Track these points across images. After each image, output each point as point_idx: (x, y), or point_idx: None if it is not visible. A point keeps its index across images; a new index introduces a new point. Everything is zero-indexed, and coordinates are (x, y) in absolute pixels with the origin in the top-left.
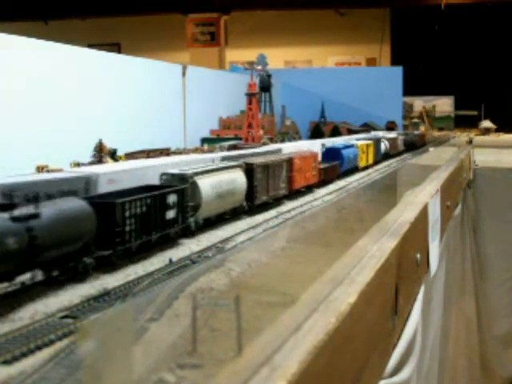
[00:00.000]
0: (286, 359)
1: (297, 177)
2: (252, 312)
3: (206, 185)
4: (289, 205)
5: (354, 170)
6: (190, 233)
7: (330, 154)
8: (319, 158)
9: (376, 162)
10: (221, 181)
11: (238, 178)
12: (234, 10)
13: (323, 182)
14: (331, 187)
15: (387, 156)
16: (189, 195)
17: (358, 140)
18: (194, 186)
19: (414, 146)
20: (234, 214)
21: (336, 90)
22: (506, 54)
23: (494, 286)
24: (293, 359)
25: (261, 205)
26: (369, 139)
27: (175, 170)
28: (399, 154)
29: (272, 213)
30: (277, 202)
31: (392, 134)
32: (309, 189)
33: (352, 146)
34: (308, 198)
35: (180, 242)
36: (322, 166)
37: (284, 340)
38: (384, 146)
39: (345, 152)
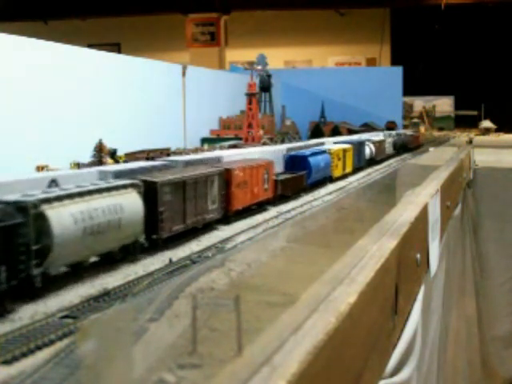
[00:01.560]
0: (285, 359)
1: (238, 194)
2: (252, 312)
3: (64, 217)
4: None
5: (327, 180)
6: (31, 291)
7: (295, 162)
8: (277, 167)
9: (357, 170)
10: (93, 209)
11: (128, 203)
12: (234, 9)
13: (281, 198)
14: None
15: (373, 162)
16: (30, 234)
17: (336, 144)
18: (40, 219)
19: (407, 148)
20: (125, 254)
21: (336, 90)
22: (506, 54)
23: (494, 285)
24: (293, 359)
25: (172, 237)
26: (348, 143)
27: (12, 196)
28: (388, 158)
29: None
30: (203, 229)
31: (379, 136)
32: (260, 207)
33: (323, 152)
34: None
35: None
36: (279, 177)
37: (284, 340)
38: (369, 150)
39: (313, 160)
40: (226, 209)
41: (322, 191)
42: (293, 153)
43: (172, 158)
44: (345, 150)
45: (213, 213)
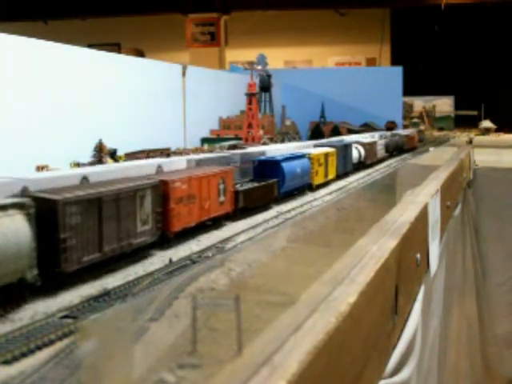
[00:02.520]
0: (286, 359)
1: (180, 210)
2: (252, 312)
3: None
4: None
5: (306, 188)
6: None
7: (265, 168)
8: (239, 174)
9: (343, 175)
10: None
11: (6, 231)
12: (234, 10)
13: (243, 212)
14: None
15: (362, 166)
16: None
17: (317, 147)
18: None
19: (401, 150)
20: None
21: (336, 89)
22: (506, 54)
23: (494, 285)
24: (293, 359)
25: (82, 270)
26: (331, 146)
27: None
28: (379, 162)
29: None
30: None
31: (370, 138)
32: (215, 223)
33: (301, 156)
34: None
35: None
36: (241, 187)
37: (284, 340)
38: (357, 153)
39: (287, 165)
40: (163, 230)
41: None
42: (263, 157)
43: (232, 151)
44: (327, 154)
45: (144, 235)
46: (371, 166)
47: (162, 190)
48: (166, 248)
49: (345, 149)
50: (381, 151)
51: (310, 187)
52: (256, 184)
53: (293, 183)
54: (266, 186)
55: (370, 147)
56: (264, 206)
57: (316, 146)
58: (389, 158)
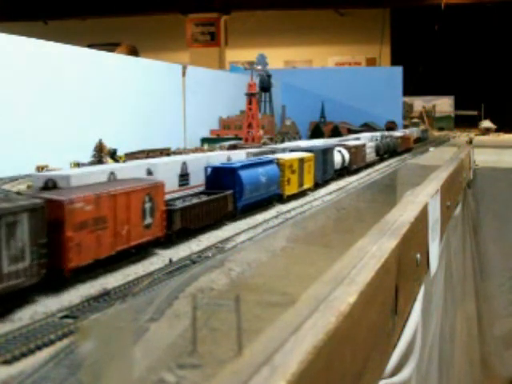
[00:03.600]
0: (286, 359)
1: (83, 239)
2: (252, 312)
3: None
4: None
5: (275, 200)
6: None
7: (220, 177)
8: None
9: (324, 183)
10: None
11: None
12: (234, 10)
13: (184, 234)
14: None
15: (346, 172)
16: None
17: (293, 152)
18: None
19: (395, 152)
20: None
21: (336, 89)
22: (506, 54)
23: (494, 285)
24: (293, 359)
25: None
26: (309, 150)
27: None
28: (367, 166)
29: None
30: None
31: (357, 141)
32: (139, 253)
33: (268, 162)
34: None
35: None
36: (181, 204)
37: (284, 340)
38: (340, 157)
39: (246, 174)
40: (53, 267)
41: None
42: (216, 165)
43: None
44: (302, 160)
45: (16, 278)
46: (358, 171)
47: (51, 213)
48: (167, 248)
49: (325, 153)
50: (370, 155)
51: (281, 198)
52: (201, 199)
53: (255, 194)
54: (216, 200)
55: (356, 150)
56: (214, 224)
57: (292, 150)
58: (380, 161)
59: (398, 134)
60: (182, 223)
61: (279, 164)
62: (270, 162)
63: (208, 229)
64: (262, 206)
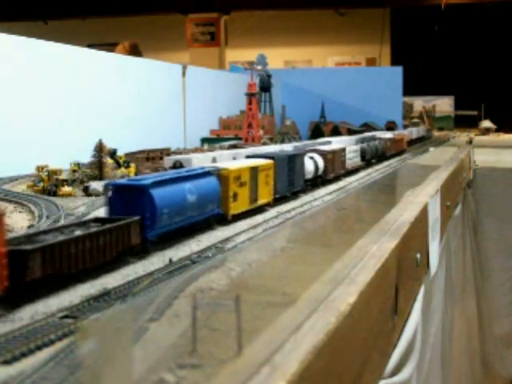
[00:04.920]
0: (286, 359)
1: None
2: (252, 312)
3: None
4: None
5: (214, 222)
6: None
7: (126, 199)
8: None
9: (293, 195)
10: None
11: None
12: (234, 10)
13: (48, 283)
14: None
15: (321, 181)
16: None
17: (249, 158)
18: None
19: (383, 156)
20: None
21: (336, 89)
22: (506, 54)
23: (494, 285)
24: (293, 359)
25: None
26: (269, 157)
27: None
28: (349, 173)
29: None
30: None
31: (334, 145)
32: None
33: (201, 175)
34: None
35: None
36: (41, 241)
37: (284, 340)
38: (312, 165)
39: (162, 193)
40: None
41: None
42: (121, 181)
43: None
44: (255, 169)
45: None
46: (338, 179)
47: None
48: (166, 248)
49: (291, 160)
50: (353, 160)
51: (223, 218)
52: (87, 230)
53: (178, 219)
54: (109, 231)
55: (333, 156)
56: (110, 265)
57: (248, 157)
58: (366, 167)
59: (388, 135)
60: (46, 269)
61: (220, 176)
62: (206, 174)
63: (208, 229)
64: (194, 230)
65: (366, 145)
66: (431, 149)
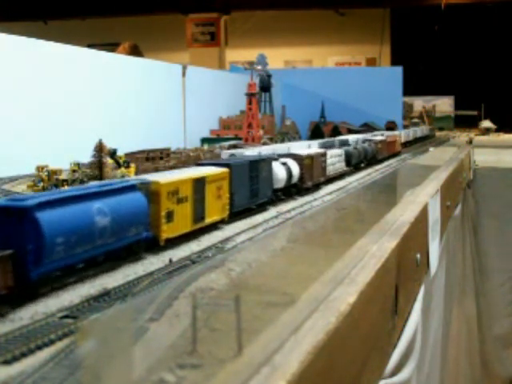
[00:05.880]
0: (286, 359)
1: None
2: (252, 312)
3: None
4: None
5: (141, 248)
6: None
7: (5, 224)
8: None
9: (259, 207)
10: None
11: None
12: (234, 10)
13: None
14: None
15: (297, 191)
16: None
17: (206, 165)
18: None
19: (373, 160)
20: None
21: (336, 90)
22: (506, 54)
23: (494, 285)
24: (293, 359)
25: None
26: (225, 164)
27: None
28: (330, 181)
29: None
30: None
31: (312, 149)
32: None
33: (122, 190)
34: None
35: None
36: None
37: (284, 340)
38: (284, 171)
39: (57, 216)
40: None
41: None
42: None
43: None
44: (201, 181)
45: None
46: (318, 187)
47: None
48: (166, 248)
49: (253, 167)
50: (336, 165)
51: (154, 243)
52: None
53: (79, 250)
54: None
55: (311, 162)
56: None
57: (201, 164)
58: (351, 173)
59: (379, 137)
60: None
61: (149, 191)
62: (128, 188)
63: (208, 229)
64: (109, 261)
65: (351, 148)
66: (431, 149)
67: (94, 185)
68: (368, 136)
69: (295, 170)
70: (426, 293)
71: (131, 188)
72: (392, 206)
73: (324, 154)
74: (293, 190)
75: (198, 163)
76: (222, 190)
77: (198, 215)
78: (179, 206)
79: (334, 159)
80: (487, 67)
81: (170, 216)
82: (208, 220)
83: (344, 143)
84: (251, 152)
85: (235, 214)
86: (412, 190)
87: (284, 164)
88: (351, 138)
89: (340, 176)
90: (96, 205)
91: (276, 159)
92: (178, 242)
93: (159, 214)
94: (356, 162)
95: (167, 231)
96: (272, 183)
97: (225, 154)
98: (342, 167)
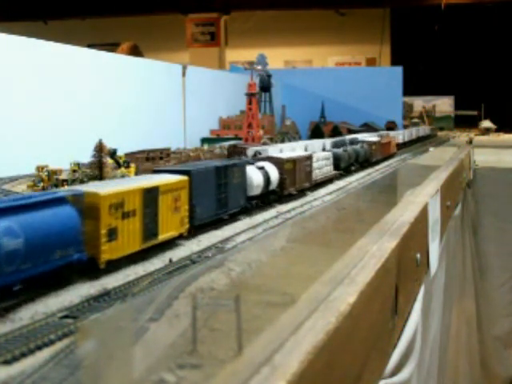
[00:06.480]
0: (286, 359)
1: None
2: (252, 312)
3: None
4: None
5: (75, 272)
6: None
7: None
8: None
9: (223, 219)
10: None
11: None
12: (234, 10)
13: None
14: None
15: (277, 198)
16: None
17: (163, 173)
18: None
19: (367, 162)
20: None
21: (336, 90)
22: (506, 54)
23: (494, 285)
24: (293, 359)
25: None
26: (184, 171)
27: None
28: (317, 185)
29: None
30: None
31: (296, 152)
32: None
33: (43, 203)
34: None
35: None
36: None
37: (284, 340)
38: (261, 177)
39: None
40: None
41: None
42: None
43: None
44: (152, 192)
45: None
46: (302, 193)
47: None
48: (166, 248)
49: (220, 174)
50: (323, 169)
51: (92, 266)
52: None
53: None
54: None
55: (293, 166)
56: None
57: (157, 171)
58: (341, 176)
59: (372, 138)
60: None
61: (84, 205)
62: (52, 202)
63: (207, 229)
64: (30, 290)
65: (341, 150)
66: (431, 149)
67: (4, 199)
68: (371, 135)
69: (274, 175)
70: (425, 293)
71: (58, 201)
72: (392, 207)
73: (309, 158)
74: (272, 197)
75: (155, 170)
76: (179, 201)
77: (150, 231)
78: (125, 221)
79: (321, 162)
80: (487, 67)
81: (112, 234)
82: (162, 236)
83: (353, 142)
84: (274, 150)
85: (198, 228)
86: (412, 190)
87: (261, 169)
88: (360, 136)
89: (330, 180)
90: (2, 224)
91: (252, 163)
92: (128, 263)
93: (98, 231)
94: (346, 166)
95: (109, 252)
96: (246, 190)
97: (251, 151)
98: (330, 171)
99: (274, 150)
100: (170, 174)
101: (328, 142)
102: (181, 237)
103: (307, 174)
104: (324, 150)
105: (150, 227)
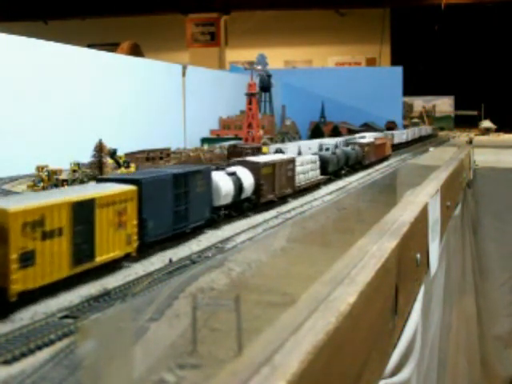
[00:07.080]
0: (286, 359)
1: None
2: (252, 312)
3: None
4: None
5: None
6: None
7: None
8: None
9: (186, 232)
10: None
11: None
12: (234, 10)
13: None
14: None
15: (253, 206)
16: None
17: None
18: None
19: (359, 165)
20: None
21: (336, 89)
22: (506, 54)
23: (494, 285)
24: (293, 359)
25: None
26: (132, 180)
27: None
28: (300, 192)
29: None
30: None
31: (278, 155)
32: None
33: None
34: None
35: None
36: None
37: (284, 340)
38: (231, 184)
39: None
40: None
41: None
42: None
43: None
44: (86, 206)
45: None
46: (284, 200)
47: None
48: (166, 248)
49: (180, 182)
50: (308, 174)
51: (2, 299)
52: None
53: None
54: None
55: (272, 170)
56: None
57: (101, 180)
58: (329, 181)
59: (366, 140)
60: None
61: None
62: None
63: (208, 229)
64: None
65: (329, 153)
66: (431, 149)
67: None
68: (377, 135)
69: (248, 181)
70: (425, 293)
71: None
72: (392, 207)
73: (292, 161)
74: (245, 205)
75: (99, 178)
76: (125, 215)
77: (82, 253)
78: (46, 242)
79: (306, 167)
80: (487, 67)
81: (28, 258)
82: (100, 258)
83: (347, 144)
84: (293, 147)
85: (150, 246)
86: (412, 191)
87: (231, 174)
88: (368, 135)
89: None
90: None
91: (221, 169)
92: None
93: (6, 256)
94: (334, 170)
95: (22, 281)
96: (211, 200)
97: (272, 148)
98: (316, 176)
99: (294, 147)
100: (114, 184)
101: (341, 140)
102: (128, 256)
103: (289, 180)
104: (337, 147)
105: (84, 248)
